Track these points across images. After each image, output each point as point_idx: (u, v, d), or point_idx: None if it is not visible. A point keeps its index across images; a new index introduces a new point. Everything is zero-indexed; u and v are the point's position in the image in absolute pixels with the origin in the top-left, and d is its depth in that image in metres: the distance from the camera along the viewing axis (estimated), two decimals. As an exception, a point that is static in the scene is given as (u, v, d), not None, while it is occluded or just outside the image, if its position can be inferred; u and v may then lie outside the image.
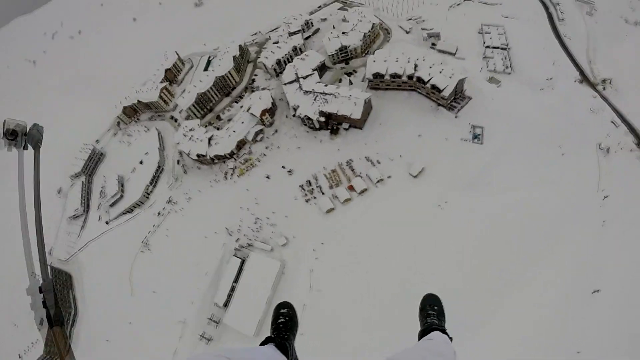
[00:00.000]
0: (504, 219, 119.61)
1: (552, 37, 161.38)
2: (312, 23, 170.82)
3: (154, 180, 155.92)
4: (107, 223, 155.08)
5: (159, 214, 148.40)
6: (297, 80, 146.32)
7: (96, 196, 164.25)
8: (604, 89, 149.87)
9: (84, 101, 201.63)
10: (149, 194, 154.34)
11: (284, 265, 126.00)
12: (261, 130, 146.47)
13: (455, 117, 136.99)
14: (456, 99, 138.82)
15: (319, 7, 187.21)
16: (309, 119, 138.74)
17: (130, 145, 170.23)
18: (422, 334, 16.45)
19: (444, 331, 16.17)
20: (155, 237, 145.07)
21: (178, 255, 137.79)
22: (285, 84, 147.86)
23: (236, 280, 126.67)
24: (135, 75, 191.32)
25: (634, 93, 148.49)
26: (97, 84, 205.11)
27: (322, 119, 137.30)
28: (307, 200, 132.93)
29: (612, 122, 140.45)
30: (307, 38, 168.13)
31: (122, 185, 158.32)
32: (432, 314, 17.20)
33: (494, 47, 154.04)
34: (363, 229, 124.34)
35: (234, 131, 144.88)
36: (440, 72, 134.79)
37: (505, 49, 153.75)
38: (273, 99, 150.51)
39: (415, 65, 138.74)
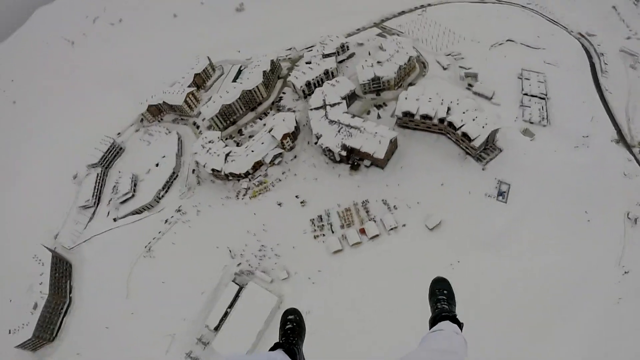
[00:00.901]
0: (518, 286, 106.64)
1: (593, 89, 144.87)
2: (347, 46, 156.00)
3: (167, 186, 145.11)
4: (114, 220, 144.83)
5: (166, 221, 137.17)
6: (324, 107, 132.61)
7: (109, 190, 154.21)
8: None
9: (114, 91, 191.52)
10: (160, 199, 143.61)
11: (282, 301, 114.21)
12: (280, 154, 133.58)
13: (483, 169, 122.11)
14: (486, 149, 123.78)
15: (358, 29, 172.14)
16: (330, 150, 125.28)
17: (149, 145, 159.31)
18: (433, 321, 15.48)
19: (454, 318, 15.14)
20: (159, 244, 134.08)
21: (178, 268, 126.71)
22: (311, 109, 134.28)
23: (231, 306, 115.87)
24: (166, 73, 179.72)
25: None
26: (129, 76, 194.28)
27: (344, 152, 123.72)
28: (315, 237, 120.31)
29: None
30: (341, 62, 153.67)
31: (135, 185, 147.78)
32: (442, 299, 16.23)
33: (532, 95, 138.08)
34: (369, 278, 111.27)
35: (252, 151, 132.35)
36: (474, 120, 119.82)
37: (543, 99, 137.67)
38: (297, 123, 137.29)
39: (448, 109, 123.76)
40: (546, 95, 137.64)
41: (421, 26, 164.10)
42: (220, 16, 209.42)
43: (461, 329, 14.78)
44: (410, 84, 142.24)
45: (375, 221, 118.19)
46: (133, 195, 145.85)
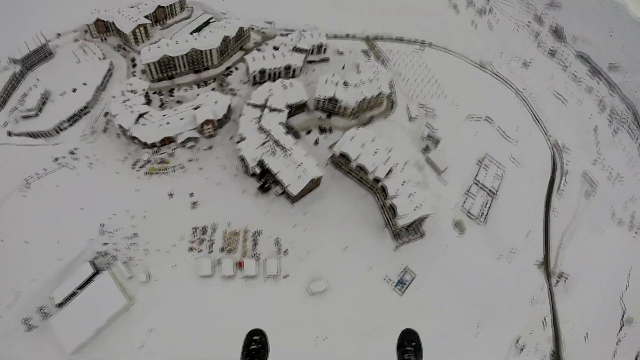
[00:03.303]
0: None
1: (542, 205, 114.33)
2: (325, 49, 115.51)
3: (73, 119, 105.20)
4: (9, 134, 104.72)
5: (56, 159, 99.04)
6: (263, 107, 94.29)
7: (19, 95, 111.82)
8: (557, 283, 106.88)
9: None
10: (60, 130, 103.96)
11: (132, 304, 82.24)
12: (196, 139, 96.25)
13: (394, 249, 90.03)
14: (408, 228, 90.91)
15: (347, 35, 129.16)
16: (244, 159, 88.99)
17: (78, 64, 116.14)
18: None
19: None
20: (38, 183, 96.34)
21: (47, 219, 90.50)
22: (248, 104, 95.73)
23: (82, 287, 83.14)
24: None
25: (579, 298, 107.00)
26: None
27: (258, 170, 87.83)
28: (190, 249, 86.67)
29: (542, 321, 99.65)
30: (310, 62, 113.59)
31: (44, 104, 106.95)
32: (409, 350, 14.18)
33: (482, 187, 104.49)
34: (229, 320, 78.83)
35: (167, 123, 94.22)
36: (409, 197, 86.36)
37: (491, 195, 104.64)
38: (230, 110, 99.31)
39: (390, 171, 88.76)
40: (496, 192, 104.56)
41: (410, 62, 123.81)
42: None
43: None
44: (370, 120, 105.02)
45: (258, 259, 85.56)
46: (37, 114, 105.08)
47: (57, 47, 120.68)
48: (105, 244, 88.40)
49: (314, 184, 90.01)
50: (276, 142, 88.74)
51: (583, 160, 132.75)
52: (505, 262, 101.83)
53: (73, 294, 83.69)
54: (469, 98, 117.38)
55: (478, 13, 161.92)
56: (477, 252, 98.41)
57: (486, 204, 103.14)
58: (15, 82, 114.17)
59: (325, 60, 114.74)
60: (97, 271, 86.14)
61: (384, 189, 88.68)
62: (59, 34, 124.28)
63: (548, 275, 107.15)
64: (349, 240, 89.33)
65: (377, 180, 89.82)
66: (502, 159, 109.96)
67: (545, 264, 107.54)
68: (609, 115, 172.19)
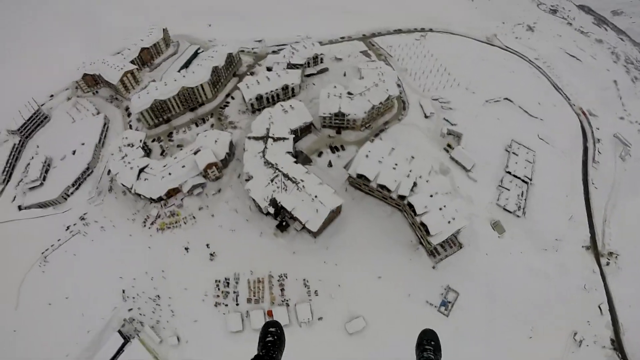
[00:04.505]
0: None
1: (579, 181, 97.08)
2: (322, 59, 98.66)
3: (78, 183, 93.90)
4: (19, 208, 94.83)
5: (68, 228, 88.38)
6: (265, 138, 79.38)
7: (23, 166, 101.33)
8: (608, 263, 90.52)
9: (70, 36, 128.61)
10: (68, 196, 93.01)
11: None
12: (202, 185, 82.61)
13: (433, 267, 75.23)
14: (444, 242, 75.54)
15: (342, 38, 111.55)
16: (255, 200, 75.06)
17: (73, 124, 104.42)
18: None
19: None
20: (55, 254, 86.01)
21: (69, 292, 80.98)
22: (249, 138, 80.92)
23: (114, 358, 73.32)
24: (134, 21, 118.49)
25: (632, 274, 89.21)
26: (89, 20, 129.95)
27: (272, 209, 73.80)
28: (216, 304, 74.41)
29: (599, 307, 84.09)
30: (308, 75, 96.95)
31: (47, 172, 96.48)
32: (428, 349, 12.27)
33: (515, 176, 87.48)
34: None
35: (169, 174, 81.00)
36: (440, 210, 70.72)
37: (527, 183, 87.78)
38: (232, 146, 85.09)
39: (414, 185, 73.17)
40: (530, 179, 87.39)
41: (414, 54, 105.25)
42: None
43: None
44: (383, 128, 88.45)
45: (288, 305, 72.49)
46: (42, 184, 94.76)
47: (51, 109, 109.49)
48: (130, 309, 77.98)
49: (335, 213, 75.52)
50: (286, 176, 74.44)
51: (611, 119, 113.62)
52: (552, 253, 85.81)
53: (107, 367, 74.92)
54: (483, 80, 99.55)
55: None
56: (519, 250, 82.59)
57: (522, 194, 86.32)
58: (16, 153, 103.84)
59: (324, 70, 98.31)
60: (126, 339, 76.41)
61: (411, 206, 73.45)
62: (51, 96, 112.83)
63: (597, 258, 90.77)
64: (382, 267, 75.01)
65: (402, 197, 74.56)
66: (530, 141, 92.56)
67: (593, 245, 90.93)
68: (625, 63, 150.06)
